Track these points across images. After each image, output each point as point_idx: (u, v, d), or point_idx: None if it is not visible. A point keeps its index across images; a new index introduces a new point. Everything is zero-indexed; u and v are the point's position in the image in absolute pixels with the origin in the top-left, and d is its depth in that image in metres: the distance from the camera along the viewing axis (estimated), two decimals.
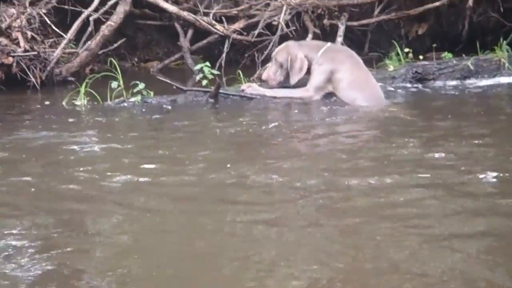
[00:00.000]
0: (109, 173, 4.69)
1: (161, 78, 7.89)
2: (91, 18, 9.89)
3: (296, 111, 7.08)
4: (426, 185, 4.21)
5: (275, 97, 7.40)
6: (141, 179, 4.53)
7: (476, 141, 5.33)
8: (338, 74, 7.34)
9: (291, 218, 3.79)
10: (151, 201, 4.13)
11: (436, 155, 4.89)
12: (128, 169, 4.80)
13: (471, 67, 8.32)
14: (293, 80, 7.37)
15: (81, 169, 4.82)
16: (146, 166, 4.88)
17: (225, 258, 3.31)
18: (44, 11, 9.82)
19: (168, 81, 7.96)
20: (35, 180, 4.60)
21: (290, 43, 7.69)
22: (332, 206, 3.98)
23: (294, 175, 4.55)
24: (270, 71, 7.55)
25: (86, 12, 9.99)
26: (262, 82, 7.66)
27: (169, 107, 7.22)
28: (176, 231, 3.72)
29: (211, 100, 7.43)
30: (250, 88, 7.50)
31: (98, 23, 10.02)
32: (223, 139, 5.89)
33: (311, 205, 3.98)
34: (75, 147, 5.56)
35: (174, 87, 7.72)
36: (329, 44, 7.68)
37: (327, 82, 7.34)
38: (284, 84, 7.48)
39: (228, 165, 4.79)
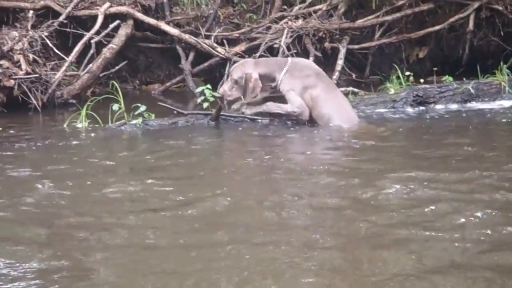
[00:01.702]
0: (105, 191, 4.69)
1: (161, 104, 7.87)
2: (92, 41, 9.93)
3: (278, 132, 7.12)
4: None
5: (270, 112, 7.40)
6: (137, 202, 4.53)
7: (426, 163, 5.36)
8: (311, 91, 7.29)
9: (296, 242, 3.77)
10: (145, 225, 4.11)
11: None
12: (125, 191, 4.81)
13: (472, 91, 8.32)
14: (246, 99, 7.34)
15: (83, 188, 4.82)
16: (143, 187, 4.88)
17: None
18: (46, 34, 9.88)
19: (168, 106, 7.96)
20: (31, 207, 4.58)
21: (247, 62, 7.65)
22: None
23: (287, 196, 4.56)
24: (225, 86, 7.54)
25: (88, 35, 10.04)
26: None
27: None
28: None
29: (212, 123, 7.44)
30: (248, 109, 7.50)
31: (100, 45, 10.06)
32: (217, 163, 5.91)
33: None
34: (75, 169, 5.56)
35: (175, 112, 7.72)
36: (290, 60, 7.56)
37: (304, 98, 7.26)
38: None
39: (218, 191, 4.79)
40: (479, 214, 4.00)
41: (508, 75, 8.49)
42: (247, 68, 7.37)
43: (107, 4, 10.52)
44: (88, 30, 10.21)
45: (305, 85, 7.28)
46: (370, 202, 4.39)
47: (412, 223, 3.92)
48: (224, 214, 4.26)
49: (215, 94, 7.75)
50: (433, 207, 4.17)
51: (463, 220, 3.93)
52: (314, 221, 4.11)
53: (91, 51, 9.84)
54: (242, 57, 10.55)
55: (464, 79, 8.70)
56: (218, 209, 4.33)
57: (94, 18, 10.36)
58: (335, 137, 6.82)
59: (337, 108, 7.29)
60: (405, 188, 4.59)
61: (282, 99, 7.36)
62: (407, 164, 5.46)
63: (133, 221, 4.16)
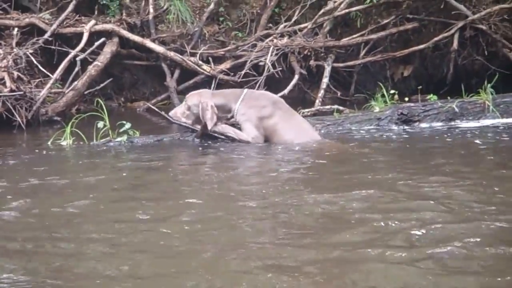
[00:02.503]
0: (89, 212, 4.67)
1: (151, 107, 7.91)
2: (77, 58, 9.91)
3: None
4: None
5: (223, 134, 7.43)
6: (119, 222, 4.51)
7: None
8: (267, 121, 7.32)
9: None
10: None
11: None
12: (110, 210, 4.78)
13: (456, 110, 8.34)
14: (210, 126, 7.34)
15: (64, 205, 4.79)
16: (127, 206, 4.86)
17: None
18: (30, 51, 9.87)
19: (157, 110, 8.04)
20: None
21: (204, 92, 7.69)
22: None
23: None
24: (178, 110, 7.60)
25: (73, 53, 10.03)
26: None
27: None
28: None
29: (197, 140, 7.44)
30: (220, 127, 7.53)
31: (85, 63, 10.05)
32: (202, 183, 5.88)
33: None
34: (58, 186, 5.53)
35: (163, 113, 7.81)
36: (246, 90, 7.62)
37: (260, 128, 7.33)
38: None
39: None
40: (430, 230, 4.00)
41: (492, 94, 8.52)
42: (204, 97, 7.44)
43: (92, 21, 10.52)
44: (73, 48, 10.21)
45: (261, 116, 7.33)
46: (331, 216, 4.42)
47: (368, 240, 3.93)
48: (195, 233, 4.24)
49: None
50: (386, 223, 4.18)
51: (417, 235, 3.93)
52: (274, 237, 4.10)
53: (76, 69, 9.83)
54: (227, 74, 10.59)
55: (449, 98, 8.72)
56: (190, 227, 4.31)
57: (80, 35, 10.37)
58: (293, 155, 6.85)
59: (298, 132, 7.31)
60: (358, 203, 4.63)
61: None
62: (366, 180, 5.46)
63: (110, 237, 4.14)
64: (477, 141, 7.31)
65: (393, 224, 4.15)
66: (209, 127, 7.35)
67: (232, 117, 7.46)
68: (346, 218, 4.37)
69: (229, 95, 7.57)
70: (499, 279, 3.33)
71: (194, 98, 7.48)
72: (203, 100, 7.38)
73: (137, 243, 4.03)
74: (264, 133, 7.33)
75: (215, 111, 7.34)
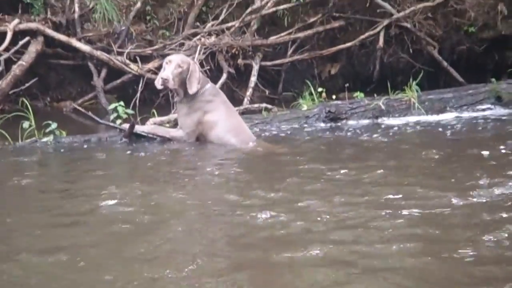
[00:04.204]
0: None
1: (77, 107, 7.82)
2: (1, 58, 9.73)
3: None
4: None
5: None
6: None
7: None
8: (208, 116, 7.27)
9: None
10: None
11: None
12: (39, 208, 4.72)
13: (383, 107, 8.45)
14: (195, 89, 7.12)
15: None
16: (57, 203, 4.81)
17: None
18: None
19: (86, 112, 7.97)
20: None
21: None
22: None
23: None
24: (166, 74, 7.10)
25: None
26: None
27: None
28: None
29: (125, 140, 7.37)
30: (149, 127, 7.50)
31: (9, 62, 9.87)
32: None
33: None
34: None
35: (89, 113, 7.73)
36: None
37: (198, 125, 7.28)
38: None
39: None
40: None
41: (417, 91, 8.65)
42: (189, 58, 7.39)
43: (16, 20, 10.33)
44: None
45: (206, 110, 7.24)
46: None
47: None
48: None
49: (128, 111, 7.71)
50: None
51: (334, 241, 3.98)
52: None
53: (0, 68, 9.65)
54: (155, 74, 10.51)
55: (375, 95, 8.83)
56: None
57: (3, 34, 10.16)
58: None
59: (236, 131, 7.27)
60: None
61: None
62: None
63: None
64: (400, 137, 7.44)
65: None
66: (194, 90, 7.13)
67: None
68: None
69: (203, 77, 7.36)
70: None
71: (183, 57, 7.33)
72: (193, 62, 7.28)
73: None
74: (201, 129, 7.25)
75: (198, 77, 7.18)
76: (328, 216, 4.34)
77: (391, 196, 4.75)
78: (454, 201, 4.54)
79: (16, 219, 4.60)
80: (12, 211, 4.80)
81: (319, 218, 4.31)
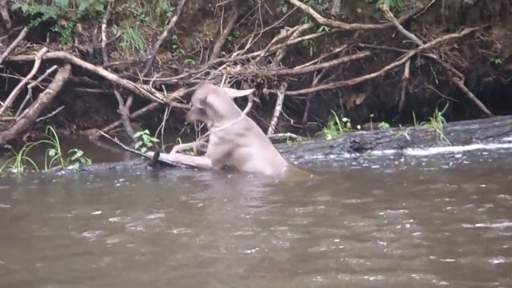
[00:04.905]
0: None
1: (104, 134, 7.90)
2: (29, 86, 9.82)
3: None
4: None
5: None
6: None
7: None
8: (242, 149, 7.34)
9: None
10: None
11: None
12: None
13: (408, 137, 8.41)
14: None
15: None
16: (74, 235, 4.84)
17: None
18: None
19: (111, 138, 8.03)
20: None
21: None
22: None
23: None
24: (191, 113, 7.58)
25: (24, 80, 9.95)
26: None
27: None
28: None
29: (150, 168, 7.40)
30: (173, 156, 7.53)
31: (37, 90, 9.96)
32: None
33: None
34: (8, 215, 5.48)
35: (115, 139, 7.79)
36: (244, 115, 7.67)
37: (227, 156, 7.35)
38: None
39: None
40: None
41: (442, 122, 8.62)
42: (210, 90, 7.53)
43: (44, 49, 10.44)
44: (24, 75, 10.11)
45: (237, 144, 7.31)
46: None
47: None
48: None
49: (153, 139, 7.75)
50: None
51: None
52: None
53: (28, 96, 9.74)
54: (180, 102, 10.56)
55: (400, 125, 8.81)
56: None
57: (31, 63, 10.27)
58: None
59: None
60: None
61: None
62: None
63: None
64: (426, 169, 7.40)
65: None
66: (209, 127, 7.37)
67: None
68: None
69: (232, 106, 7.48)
70: None
71: (199, 93, 7.46)
72: (212, 95, 7.35)
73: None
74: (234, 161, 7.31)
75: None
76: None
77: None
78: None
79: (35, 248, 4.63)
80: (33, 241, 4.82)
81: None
